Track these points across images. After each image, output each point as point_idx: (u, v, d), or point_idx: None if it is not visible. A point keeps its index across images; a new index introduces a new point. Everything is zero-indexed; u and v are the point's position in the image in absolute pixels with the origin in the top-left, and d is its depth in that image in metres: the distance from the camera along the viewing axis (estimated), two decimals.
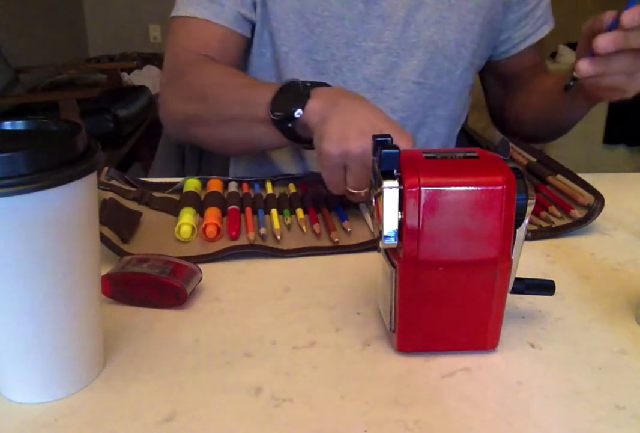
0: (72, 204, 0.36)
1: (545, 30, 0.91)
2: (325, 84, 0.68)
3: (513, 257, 0.41)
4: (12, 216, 0.34)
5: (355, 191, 0.61)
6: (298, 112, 0.64)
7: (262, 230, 0.61)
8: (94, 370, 0.42)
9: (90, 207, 0.38)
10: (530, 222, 0.51)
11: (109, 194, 0.64)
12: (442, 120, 0.90)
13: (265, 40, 0.85)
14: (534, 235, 0.61)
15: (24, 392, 0.40)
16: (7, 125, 0.38)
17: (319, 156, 0.61)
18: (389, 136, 0.41)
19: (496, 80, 0.98)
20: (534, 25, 0.90)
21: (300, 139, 0.67)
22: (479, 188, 0.39)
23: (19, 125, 0.38)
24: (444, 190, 0.39)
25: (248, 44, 0.86)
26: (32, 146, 0.35)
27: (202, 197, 0.69)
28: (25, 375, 0.39)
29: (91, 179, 0.37)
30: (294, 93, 0.66)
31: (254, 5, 0.82)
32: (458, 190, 0.39)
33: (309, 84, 0.67)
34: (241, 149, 0.80)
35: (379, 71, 0.84)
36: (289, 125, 0.66)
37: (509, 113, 0.96)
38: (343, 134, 0.59)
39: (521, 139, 0.83)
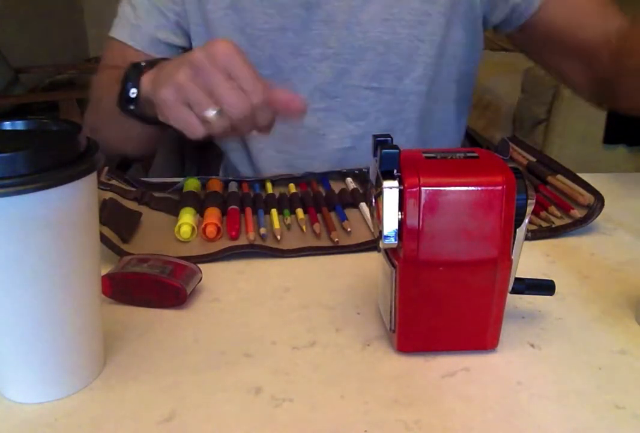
0: (72, 204, 0.36)
1: None
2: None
3: (513, 257, 0.41)
4: (12, 216, 0.34)
5: (208, 115, 0.55)
6: (132, 92, 0.64)
7: (262, 230, 0.61)
8: (94, 370, 0.42)
9: (90, 207, 0.38)
10: (530, 222, 0.51)
11: (109, 194, 0.64)
12: (412, 124, 0.84)
13: None
14: (534, 235, 0.61)
15: (24, 392, 0.40)
16: (7, 125, 0.38)
17: (160, 108, 0.58)
18: (389, 136, 0.41)
19: (567, 58, 0.83)
20: None
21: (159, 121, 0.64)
22: (479, 188, 0.39)
23: (19, 125, 0.39)
24: (444, 190, 0.39)
25: None
26: (32, 146, 0.35)
27: (202, 197, 0.69)
28: (25, 375, 0.39)
29: (91, 179, 0.37)
30: (128, 76, 0.65)
31: (183, 28, 0.81)
32: (458, 190, 0.39)
33: (143, 63, 0.66)
34: (133, 147, 0.79)
35: (329, 78, 0.80)
36: (134, 108, 0.65)
37: (608, 89, 0.80)
38: (166, 77, 0.57)
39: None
